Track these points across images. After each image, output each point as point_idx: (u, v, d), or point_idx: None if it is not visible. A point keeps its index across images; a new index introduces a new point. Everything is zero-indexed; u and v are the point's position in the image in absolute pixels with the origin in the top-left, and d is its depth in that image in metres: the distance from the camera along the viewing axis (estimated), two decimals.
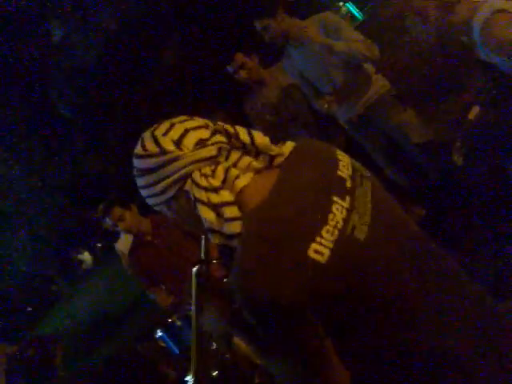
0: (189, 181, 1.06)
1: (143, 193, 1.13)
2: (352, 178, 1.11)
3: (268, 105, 3.48)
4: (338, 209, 1.02)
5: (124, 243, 3.98)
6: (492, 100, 2.56)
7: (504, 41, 2.08)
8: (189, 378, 1.32)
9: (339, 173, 1.10)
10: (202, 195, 1.05)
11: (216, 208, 1.05)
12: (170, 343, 2.97)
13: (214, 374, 2.30)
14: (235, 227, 1.03)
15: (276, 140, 1.15)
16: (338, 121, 3.32)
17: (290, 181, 1.07)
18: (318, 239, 0.98)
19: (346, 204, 1.04)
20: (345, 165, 1.13)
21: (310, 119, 3.40)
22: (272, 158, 1.11)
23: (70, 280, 10.41)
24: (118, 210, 3.38)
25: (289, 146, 1.15)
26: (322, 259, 0.96)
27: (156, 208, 1.14)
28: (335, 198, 1.04)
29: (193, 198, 1.06)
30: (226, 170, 1.06)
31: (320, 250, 0.97)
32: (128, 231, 3.45)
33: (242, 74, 3.40)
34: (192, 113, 1.15)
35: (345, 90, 3.02)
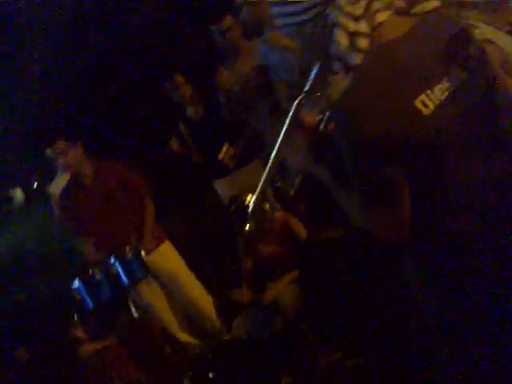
0: (332, 5, 1.09)
1: (275, 9, 1.15)
2: None
3: (237, 76, 3.41)
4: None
5: (57, 185, 3.78)
6: None
7: None
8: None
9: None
10: (343, 20, 1.09)
11: (351, 36, 1.09)
12: (85, 296, 2.85)
13: None
14: (359, 59, 1.09)
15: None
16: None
17: (422, 34, 1.12)
18: (429, 92, 1.05)
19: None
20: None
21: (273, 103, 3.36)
22: (412, 4, 1.14)
23: None
24: (61, 143, 3.20)
25: (432, 3, 1.16)
26: (425, 111, 1.05)
27: (275, 31, 1.18)
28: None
29: (332, 22, 1.09)
30: (369, 2, 1.09)
31: (427, 102, 1.05)
32: (66, 169, 3.26)
33: (227, 36, 3.34)
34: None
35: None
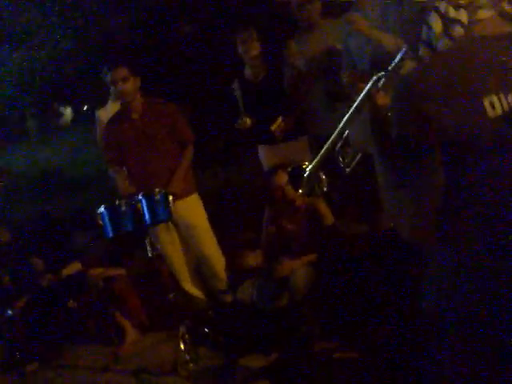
0: None
1: None
2: None
3: (306, 53, 3.32)
4: None
5: (107, 112, 3.83)
6: None
7: None
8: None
9: None
10: (444, 5, 1.11)
11: (446, 22, 1.11)
12: (108, 223, 2.91)
13: None
14: (447, 46, 1.12)
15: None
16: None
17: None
18: (500, 95, 1.05)
19: None
20: None
21: (332, 88, 3.27)
22: None
23: (42, 126, 10.18)
24: (125, 71, 3.23)
25: None
26: (490, 113, 1.04)
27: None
28: None
29: (431, 5, 1.12)
30: None
31: (495, 104, 1.04)
32: (121, 96, 3.29)
33: (305, 10, 3.25)
34: None
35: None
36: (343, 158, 1.68)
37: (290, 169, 2.72)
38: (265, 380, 2.65)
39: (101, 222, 2.97)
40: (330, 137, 1.66)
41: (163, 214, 2.96)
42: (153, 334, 3.55)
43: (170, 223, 3.41)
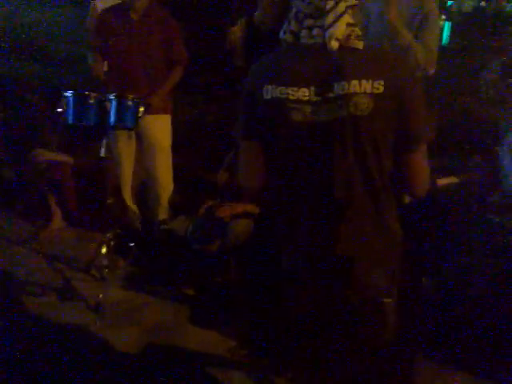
0: None
1: None
2: None
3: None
4: None
5: (105, 2, 3.64)
6: None
7: None
8: None
9: None
10: None
11: None
12: (71, 110, 2.83)
13: None
14: None
15: None
16: None
17: None
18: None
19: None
20: None
21: None
22: None
23: None
24: None
25: None
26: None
27: None
28: None
29: None
30: None
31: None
32: None
33: None
34: None
35: None
36: None
37: None
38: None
39: (64, 107, 2.89)
40: None
41: (129, 121, 2.91)
42: (80, 231, 3.59)
43: (132, 133, 3.37)
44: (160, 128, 3.41)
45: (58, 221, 3.62)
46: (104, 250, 2.95)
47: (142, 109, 2.93)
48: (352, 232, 1.32)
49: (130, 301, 2.81)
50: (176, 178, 3.59)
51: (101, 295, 2.68)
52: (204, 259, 2.85)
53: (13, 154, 3.77)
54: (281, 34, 1.37)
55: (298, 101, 1.29)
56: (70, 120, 2.84)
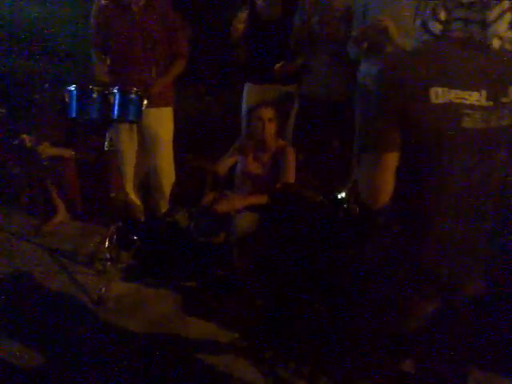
0: None
1: None
2: None
3: (323, 6, 3.21)
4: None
5: None
6: None
7: None
8: None
9: None
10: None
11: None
12: (74, 104, 2.83)
13: None
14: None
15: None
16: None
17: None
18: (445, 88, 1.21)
19: None
20: None
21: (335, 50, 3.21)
22: None
23: None
24: None
25: None
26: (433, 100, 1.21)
27: None
28: None
29: None
30: None
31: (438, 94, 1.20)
32: None
33: None
34: None
35: None
36: None
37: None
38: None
39: (67, 100, 2.89)
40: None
41: (133, 114, 2.91)
42: (83, 225, 3.60)
43: (134, 126, 3.38)
44: (162, 121, 3.41)
45: (61, 214, 3.64)
46: (107, 244, 2.96)
47: (145, 102, 2.93)
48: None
49: (133, 294, 2.82)
50: (177, 170, 3.60)
51: (104, 288, 2.70)
52: (207, 251, 2.86)
53: (16, 149, 3.77)
54: (417, 22, 1.26)
55: (472, 106, 1.19)
56: (73, 114, 2.84)
